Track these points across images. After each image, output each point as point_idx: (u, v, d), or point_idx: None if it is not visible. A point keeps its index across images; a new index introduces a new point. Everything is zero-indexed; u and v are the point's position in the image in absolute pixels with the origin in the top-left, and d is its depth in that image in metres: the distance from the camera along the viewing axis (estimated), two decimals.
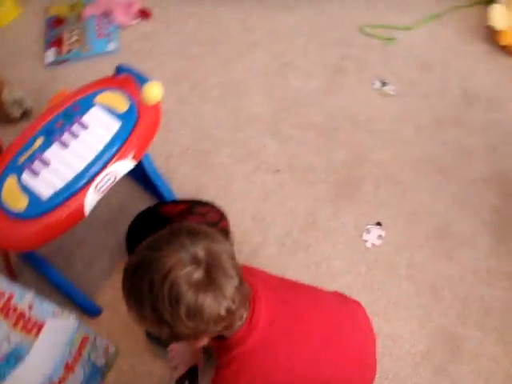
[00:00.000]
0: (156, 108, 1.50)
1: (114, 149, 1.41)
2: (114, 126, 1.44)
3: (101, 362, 1.47)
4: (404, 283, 1.63)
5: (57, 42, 2.26)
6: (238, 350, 1.05)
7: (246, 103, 2.00)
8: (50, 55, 2.23)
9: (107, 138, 1.42)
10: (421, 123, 1.91)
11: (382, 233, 1.70)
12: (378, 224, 1.71)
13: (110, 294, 1.65)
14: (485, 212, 1.73)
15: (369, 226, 1.70)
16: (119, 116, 1.45)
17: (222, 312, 0.93)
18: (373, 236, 1.69)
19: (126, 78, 1.50)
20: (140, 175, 1.75)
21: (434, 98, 1.97)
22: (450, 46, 2.11)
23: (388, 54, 2.08)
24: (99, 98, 1.50)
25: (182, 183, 1.83)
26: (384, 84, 1.98)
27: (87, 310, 1.61)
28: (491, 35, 2.08)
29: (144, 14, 2.29)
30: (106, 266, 1.69)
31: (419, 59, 2.06)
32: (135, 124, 1.45)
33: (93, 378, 1.46)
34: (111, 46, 2.22)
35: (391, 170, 1.82)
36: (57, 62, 2.22)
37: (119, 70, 1.49)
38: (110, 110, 1.46)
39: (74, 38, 2.27)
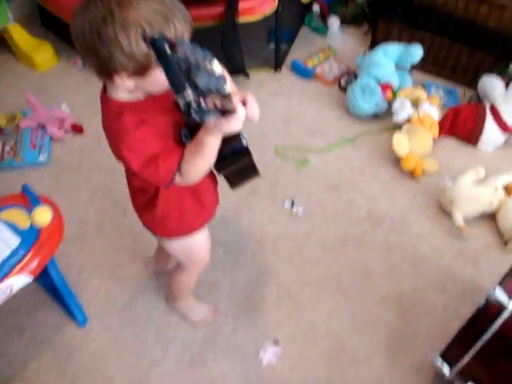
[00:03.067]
0: (58, 226, 1.58)
1: (11, 263, 1.47)
2: (14, 241, 1.51)
3: None
4: None
5: None
6: None
7: None
8: None
9: (6, 253, 1.49)
10: (326, 242, 2.02)
11: (279, 351, 1.74)
12: (275, 342, 1.76)
13: None
14: (381, 331, 1.80)
15: (266, 344, 1.75)
16: (20, 232, 1.52)
17: None
18: (269, 354, 1.73)
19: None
20: (50, 285, 1.80)
21: (340, 218, 2.09)
22: (359, 169, 2.26)
23: (301, 175, 2.23)
24: (4, 214, 1.57)
25: (91, 297, 1.88)
26: (293, 204, 2.10)
27: None
28: (398, 160, 2.24)
29: (76, 128, 2.42)
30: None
31: (329, 180, 2.21)
32: (35, 241, 1.53)
33: None
34: (42, 158, 2.32)
35: (293, 288, 1.90)
36: None
37: (24, 189, 1.58)
38: (13, 226, 1.54)
39: (8, 148, 2.37)
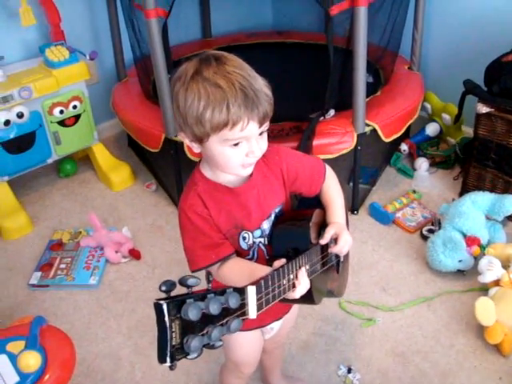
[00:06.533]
0: (65, 368, 1.41)
1: None
2: (12, 380, 1.36)
3: None
4: None
5: (46, 266, 2.31)
6: None
7: None
8: (35, 278, 2.26)
9: None
10: None
11: None
12: None
13: None
14: None
15: None
16: (21, 373, 1.36)
17: None
18: None
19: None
20: None
21: None
22: (433, 335, 1.92)
23: (364, 335, 1.93)
24: (10, 346, 1.44)
25: None
26: (350, 371, 1.79)
27: None
28: (482, 328, 1.89)
29: (134, 254, 2.32)
30: None
31: (396, 346, 1.88)
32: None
33: None
34: (92, 281, 2.23)
35: None
36: (39, 286, 2.23)
37: (33, 322, 1.44)
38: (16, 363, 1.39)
39: (63, 265, 2.31)
